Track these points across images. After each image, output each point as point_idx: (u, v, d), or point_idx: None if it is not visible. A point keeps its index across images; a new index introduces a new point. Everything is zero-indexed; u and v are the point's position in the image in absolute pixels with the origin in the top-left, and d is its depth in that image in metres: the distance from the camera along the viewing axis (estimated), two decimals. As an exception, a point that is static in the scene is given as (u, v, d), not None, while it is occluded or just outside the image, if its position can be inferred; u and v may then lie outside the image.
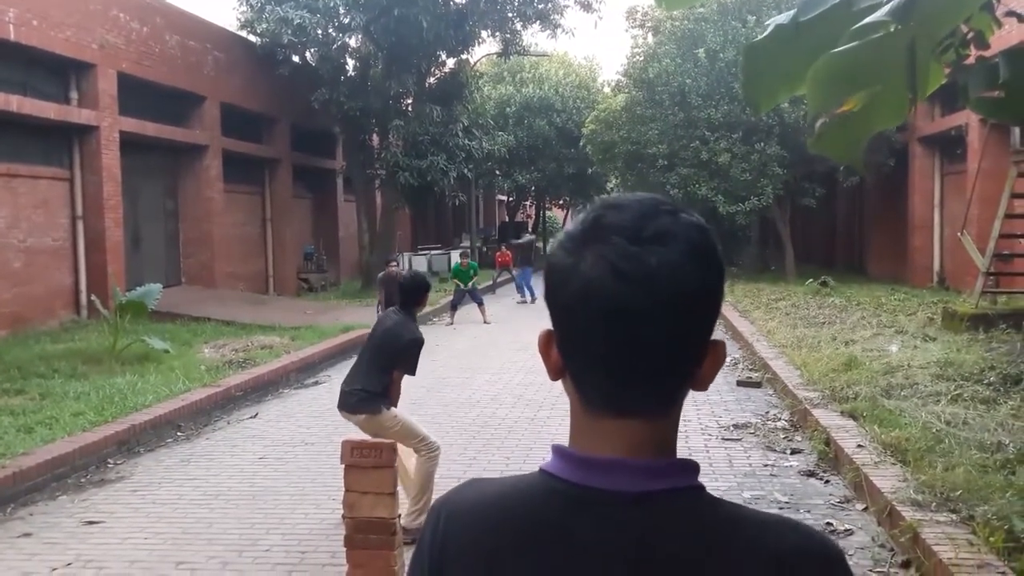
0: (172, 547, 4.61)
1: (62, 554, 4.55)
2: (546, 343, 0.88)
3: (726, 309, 14.61)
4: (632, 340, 0.81)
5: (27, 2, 11.74)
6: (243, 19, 17.78)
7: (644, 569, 0.80)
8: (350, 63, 19.82)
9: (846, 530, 4.76)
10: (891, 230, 19.85)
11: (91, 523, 5.00)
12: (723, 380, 9.23)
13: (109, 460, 6.39)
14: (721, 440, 6.80)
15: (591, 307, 0.81)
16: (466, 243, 25.38)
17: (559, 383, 0.90)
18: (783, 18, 2.79)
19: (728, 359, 10.48)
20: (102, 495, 5.64)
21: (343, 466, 3.65)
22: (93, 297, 12.54)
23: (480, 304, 16.20)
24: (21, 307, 12.13)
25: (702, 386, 0.88)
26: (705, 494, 0.85)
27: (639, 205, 0.84)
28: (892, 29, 1.93)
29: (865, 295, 15.61)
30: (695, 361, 0.85)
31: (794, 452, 6.42)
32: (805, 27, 2.57)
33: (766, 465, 6.11)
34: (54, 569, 4.33)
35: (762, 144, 19.46)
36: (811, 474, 5.85)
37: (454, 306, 16.22)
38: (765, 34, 2.85)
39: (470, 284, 16.51)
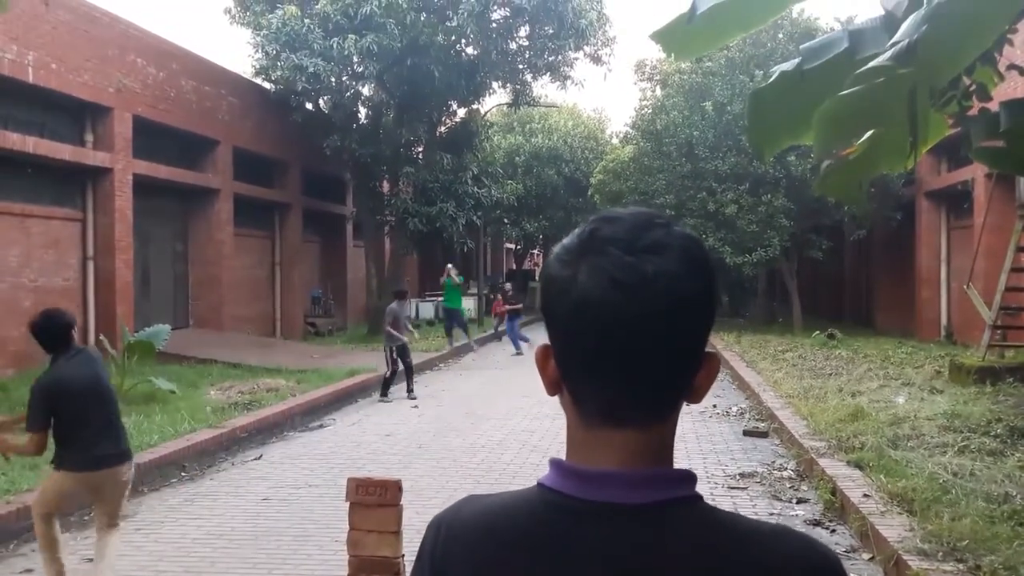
0: (174, 584, 4.58)
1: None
2: (543, 357, 0.89)
3: (733, 360, 14.58)
4: (630, 349, 0.81)
5: (46, 45, 12.03)
6: (258, 66, 18.15)
7: None
8: (362, 111, 20.15)
9: (853, 580, 4.70)
10: (898, 283, 19.87)
11: (90, 561, 4.96)
12: (730, 430, 9.19)
13: (112, 498, 6.35)
14: (727, 489, 6.75)
15: (588, 318, 0.82)
16: (473, 290, 25.46)
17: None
18: (788, 66, 2.87)
19: (734, 409, 10.46)
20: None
21: (348, 504, 3.64)
22: (101, 337, 12.55)
23: (465, 328, 16.11)
24: (30, 345, 12.09)
25: (697, 397, 0.88)
26: (703, 504, 0.85)
27: (633, 218, 0.86)
28: (894, 74, 1.99)
29: (872, 347, 15.56)
30: (691, 371, 0.86)
31: (800, 501, 6.36)
32: (809, 74, 2.65)
33: (772, 514, 6.05)
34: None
35: (769, 196, 19.61)
36: (817, 523, 5.79)
37: (449, 331, 16.11)
38: (770, 81, 2.93)
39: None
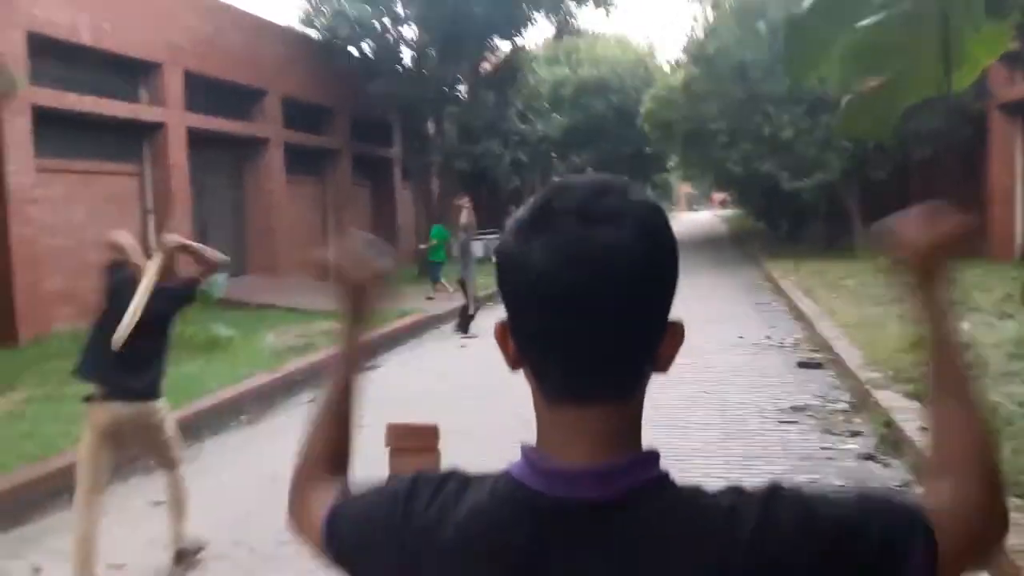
0: (232, 527, 4.80)
1: (131, 532, 4.78)
2: (502, 333, 0.86)
3: (789, 289, 14.33)
4: (586, 324, 0.79)
5: (99, 8, 12.19)
6: (303, 15, 18.10)
7: (617, 572, 0.79)
8: (405, 53, 20.01)
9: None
10: (969, 203, 19.03)
11: (159, 504, 5.22)
12: (783, 361, 9.08)
13: (177, 444, 6.64)
14: (777, 423, 6.69)
15: (542, 293, 0.79)
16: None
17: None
18: (824, -11, 2.73)
19: (789, 340, 10.31)
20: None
21: (388, 449, 3.73)
22: (163, 288, 12.95)
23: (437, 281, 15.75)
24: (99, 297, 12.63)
25: (663, 367, 0.86)
26: (669, 484, 0.83)
27: (588, 186, 0.83)
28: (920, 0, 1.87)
29: (937, 272, 15.05)
30: (653, 342, 0.83)
31: (853, 435, 6.28)
32: (845, 1, 2.51)
33: (823, 448, 6.00)
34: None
35: (827, 117, 18.90)
36: (870, 457, 5.72)
37: (435, 279, 15.96)
38: (806, 6, 2.79)
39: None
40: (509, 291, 0.84)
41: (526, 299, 0.82)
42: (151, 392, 4.21)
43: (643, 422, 0.87)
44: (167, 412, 4.37)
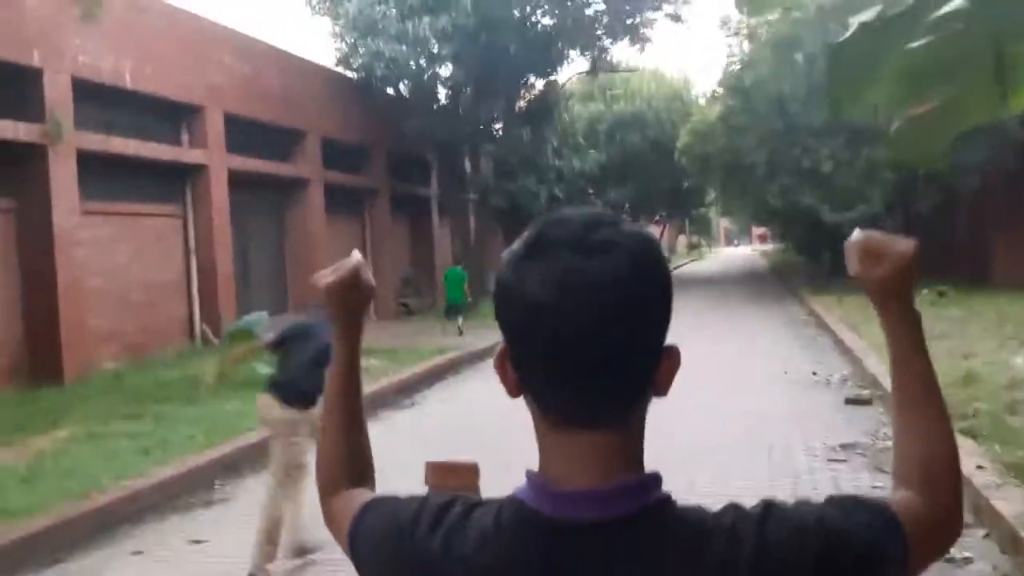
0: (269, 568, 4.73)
1: (169, 571, 4.76)
2: (501, 361, 0.88)
3: (834, 324, 14.04)
4: (581, 353, 0.81)
5: (142, 51, 12.52)
6: (339, 55, 18.44)
7: None
8: (441, 91, 20.28)
9: (964, 558, 4.43)
10: (1020, 234, 18.60)
11: (196, 542, 5.21)
12: (831, 398, 8.84)
13: (216, 482, 6.64)
14: (827, 461, 6.48)
15: (537, 322, 0.82)
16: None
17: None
18: (868, 15, 2.66)
19: (836, 376, 10.06)
20: (208, 516, 5.87)
21: (427, 487, 3.66)
22: (204, 326, 13.17)
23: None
24: (141, 337, 12.84)
25: (661, 391, 0.88)
26: (671, 506, 0.85)
27: (581, 218, 0.85)
28: (972, 18, 1.80)
29: (987, 305, 14.67)
30: (648, 369, 0.85)
31: (907, 473, 6.05)
32: (892, 23, 2.44)
33: (874, 487, 5.77)
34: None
35: (868, 149, 18.68)
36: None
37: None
38: (850, 32, 2.73)
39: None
40: (506, 321, 0.86)
41: (522, 328, 0.84)
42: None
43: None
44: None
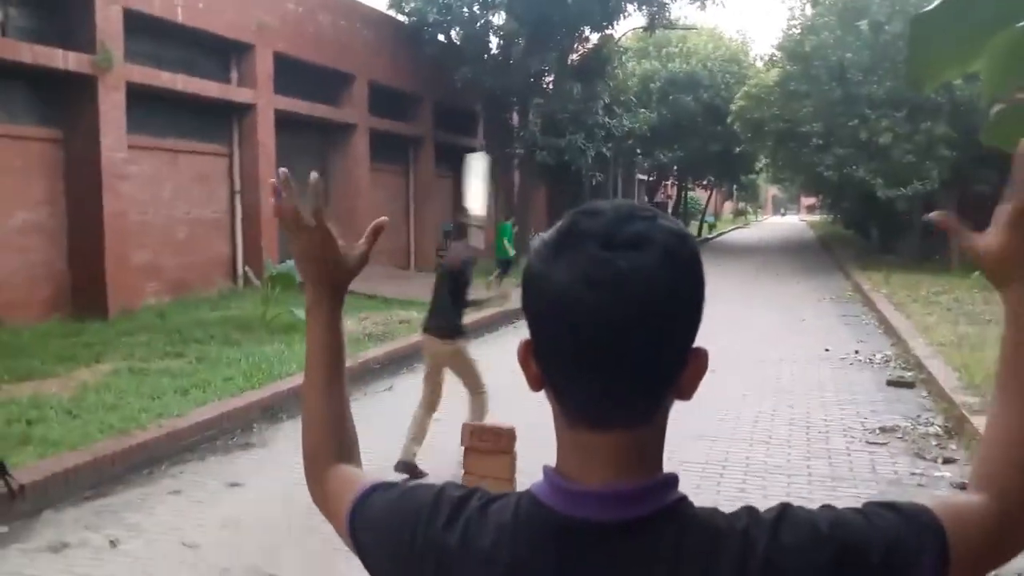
0: (306, 513, 4.77)
1: (206, 512, 4.84)
2: (524, 353, 0.86)
3: (880, 302, 13.73)
4: (606, 349, 0.79)
5: (193, -15, 12.45)
6: (391, -1, 18.18)
7: None
8: (493, 41, 19.92)
9: None
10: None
11: (234, 485, 5.29)
12: (871, 378, 8.67)
13: (254, 425, 6.74)
14: (865, 444, 6.36)
15: (564, 316, 0.80)
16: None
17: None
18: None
19: (878, 356, 9.84)
20: (246, 459, 5.96)
21: (463, 448, 3.64)
22: (247, 268, 13.28)
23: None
24: (184, 275, 13.01)
25: (685, 395, 0.85)
26: (687, 507, 0.83)
27: (615, 211, 0.82)
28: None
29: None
30: (673, 370, 0.83)
31: (947, 461, 5.91)
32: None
33: (913, 474, 5.66)
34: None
35: (929, 124, 18.05)
36: (965, 487, 5.36)
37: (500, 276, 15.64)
38: (935, 3, 2.55)
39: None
40: (531, 312, 0.84)
41: (547, 320, 0.82)
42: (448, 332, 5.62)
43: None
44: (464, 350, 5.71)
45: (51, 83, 10.56)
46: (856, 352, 10.06)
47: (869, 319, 13.02)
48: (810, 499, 5.08)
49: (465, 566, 0.84)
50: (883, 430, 6.68)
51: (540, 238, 0.85)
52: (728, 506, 0.87)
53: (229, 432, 6.47)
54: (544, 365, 0.84)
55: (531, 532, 0.83)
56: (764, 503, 0.85)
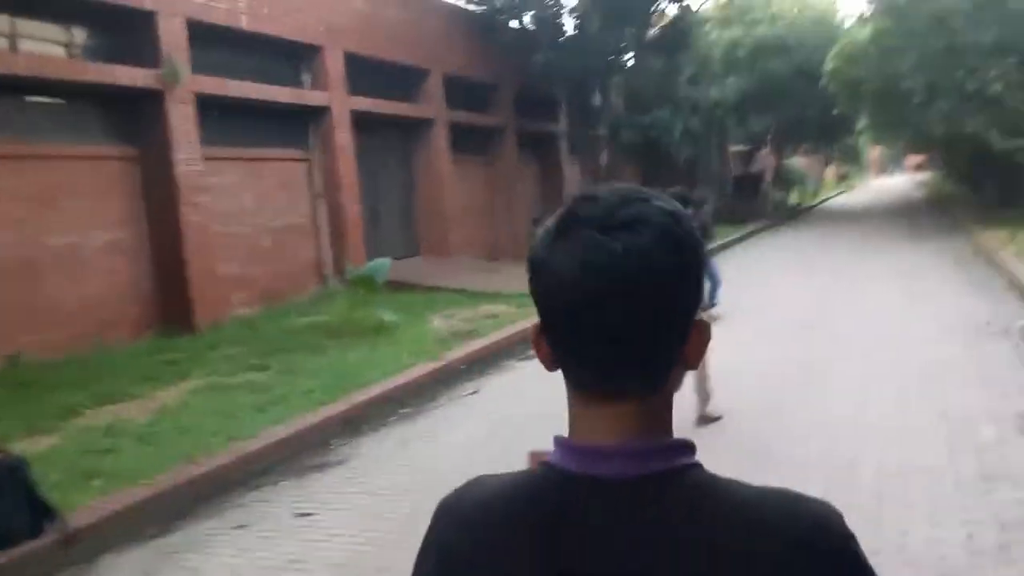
0: (377, 549, 4.34)
1: (272, 550, 4.45)
2: (536, 336, 0.88)
3: (1008, 262, 12.47)
4: (607, 329, 0.81)
5: (255, -9, 12.30)
6: (461, -11, 17.78)
7: (651, 552, 0.79)
8: (568, 23, 19.32)
9: None
10: None
11: (303, 515, 4.92)
12: (1013, 352, 7.66)
13: (332, 441, 6.38)
14: (1019, 433, 5.49)
15: (565, 299, 0.82)
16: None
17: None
18: None
19: (1017, 325, 8.75)
20: (321, 482, 5.57)
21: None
22: (326, 272, 13.08)
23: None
24: (272, 283, 12.96)
25: (691, 365, 0.87)
26: (702, 472, 0.84)
27: (613, 196, 0.85)
28: None
29: None
30: (675, 344, 0.85)
31: None
32: None
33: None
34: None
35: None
36: None
37: None
38: None
39: None
40: (536, 297, 0.87)
41: (551, 304, 0.84)
42: None
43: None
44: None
45: (121, 101, 10.57)
46: (988, 323, 9.00)
47: (997, 283, 11.81)
48: (963, 505, 4.33)
49: (464, 514, 0.89)
50: (1037, 414, 5.77)
51: (542, 226, 0.88)
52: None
53: (305, 451, 6.12)
54: (553, 345, 0.86)
55: (535, 485, 0.86)
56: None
